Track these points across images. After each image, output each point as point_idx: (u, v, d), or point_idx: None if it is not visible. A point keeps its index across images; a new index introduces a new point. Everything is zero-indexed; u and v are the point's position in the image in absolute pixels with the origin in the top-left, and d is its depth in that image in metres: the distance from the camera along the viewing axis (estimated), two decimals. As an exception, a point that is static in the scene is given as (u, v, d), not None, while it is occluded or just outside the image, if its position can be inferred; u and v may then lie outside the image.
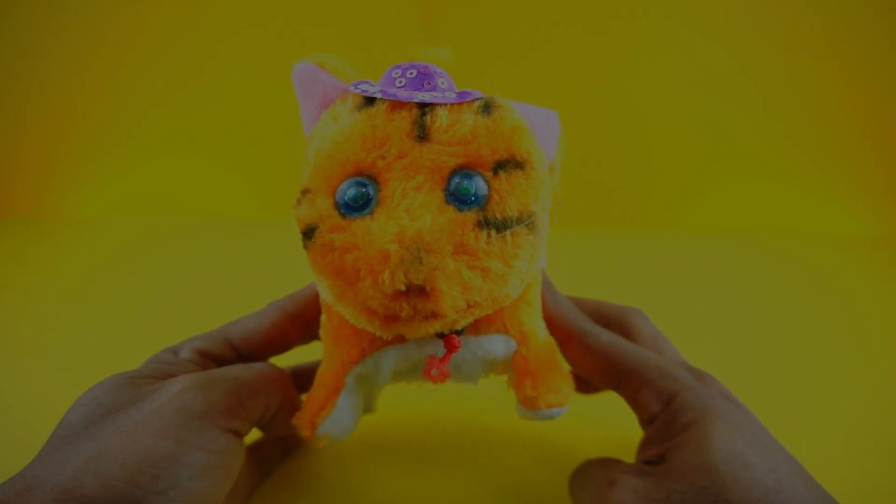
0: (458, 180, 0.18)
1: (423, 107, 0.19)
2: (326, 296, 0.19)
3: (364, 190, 0.18)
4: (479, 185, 0.18)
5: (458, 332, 0.20)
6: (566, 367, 0.25)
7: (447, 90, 0.20)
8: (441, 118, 0.18)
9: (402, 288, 0.16)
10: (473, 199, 0.18)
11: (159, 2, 0.82)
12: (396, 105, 0.19)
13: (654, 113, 0.84)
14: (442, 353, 0.20)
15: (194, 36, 0.83)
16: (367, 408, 0.29)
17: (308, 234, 0.18)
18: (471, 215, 0.18)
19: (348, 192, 0.18)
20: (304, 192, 0.19)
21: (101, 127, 0.85)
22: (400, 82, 0.20)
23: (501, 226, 0.18)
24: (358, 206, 0.18)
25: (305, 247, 0.19)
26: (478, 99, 0.19)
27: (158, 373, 0.22)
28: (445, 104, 0.19)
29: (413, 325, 0.17)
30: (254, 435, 0.28)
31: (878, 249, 0.72)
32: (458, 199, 0.18)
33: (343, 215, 0.18)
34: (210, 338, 0.25)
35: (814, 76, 0.79)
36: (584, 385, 0.31)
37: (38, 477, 0.17)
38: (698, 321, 0.49)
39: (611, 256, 0.71)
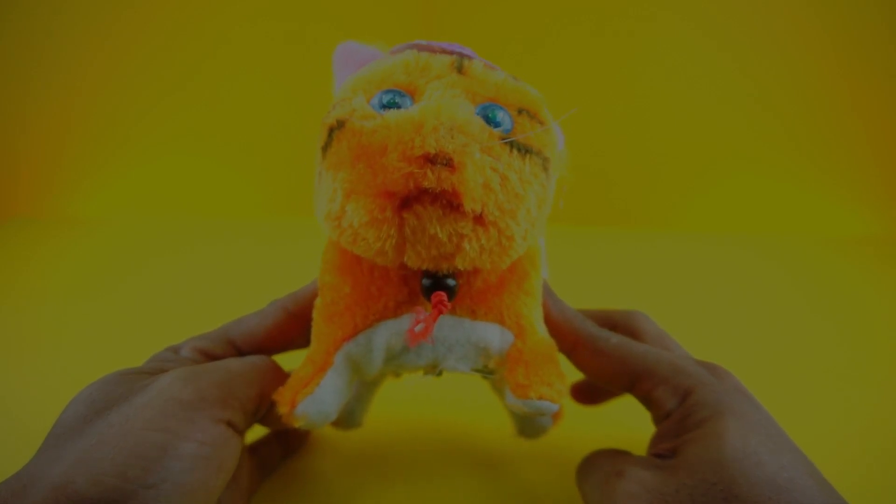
0: (487, 106, 0.19)
1: (462, 57, 0.21)
2: (337, 196, 0.19)
3: (400, 98, 0.19)
4: (506, 117, 0.20)
5: (450, 293, 0.20)
6: (562, 368, 0.24)
7: None
8: (477, 65, 0.21)
9: (432, 151, 0.16)
10: (500, 125, 0.19)
11: (159, 2, 0.82)
12: (439, 51, 0.21)
13: (654, 113, 0.84)
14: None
15: (194, 36, 0.83)
16: (355, 421, 0.29)
17: (338, 125, 0.19)
18: (497, 133, 0.19)
19: (384, 96, 0.19)
20: (337, 103, 0.20)
21: (102, 127, 0.85)
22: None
23: (522, 148, 0.19)
24: (393, 106, 0.19)
25: (328, 143, 0.19)
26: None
27: (155, 370, 0.22)
28: (481, 62, 0.21)
29: (427, 214, 0.17)
30: (255, 435, 0.28)
31: (878, 249, 0.72)
32: (487, 121, 0.19)
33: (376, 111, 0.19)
34: (211, 337, 0.25)
35: (814, 76, 0.79)
36: (591, 396, 0.30)
37: (33, 476, 0.17)
38: (698, 321, 0.49)
39: (611, 256, 0.71)
